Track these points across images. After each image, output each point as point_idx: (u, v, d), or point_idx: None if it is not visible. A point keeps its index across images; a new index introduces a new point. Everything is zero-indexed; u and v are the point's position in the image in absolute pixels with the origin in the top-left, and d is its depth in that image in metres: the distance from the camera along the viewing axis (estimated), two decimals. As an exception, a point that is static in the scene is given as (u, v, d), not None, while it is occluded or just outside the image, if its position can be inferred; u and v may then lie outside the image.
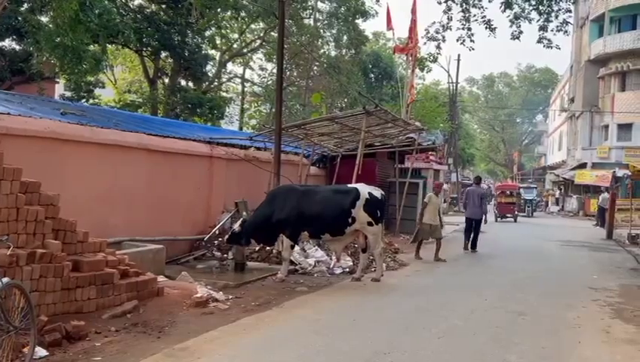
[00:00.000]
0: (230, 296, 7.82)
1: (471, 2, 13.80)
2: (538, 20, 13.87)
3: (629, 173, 24.09)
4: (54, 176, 7.91)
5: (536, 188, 40.01)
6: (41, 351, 5.01)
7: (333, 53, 29.46)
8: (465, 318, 7.36)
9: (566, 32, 14.24)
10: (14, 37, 17.32)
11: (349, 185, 10.17)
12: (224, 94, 29.83)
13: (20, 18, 15.78)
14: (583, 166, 36.35)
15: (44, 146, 8.26)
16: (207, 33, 23.55)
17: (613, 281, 10.51)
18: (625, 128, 35.15)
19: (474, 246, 14.59)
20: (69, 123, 9.41)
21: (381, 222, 9.75)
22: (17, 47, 18.12)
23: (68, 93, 21.27)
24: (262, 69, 32.73)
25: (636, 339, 6.52)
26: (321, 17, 28.81)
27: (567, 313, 7.80)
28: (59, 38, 12.98)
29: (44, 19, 15.56)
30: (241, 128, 30.64)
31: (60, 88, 23.21)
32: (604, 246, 17.29)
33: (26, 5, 16.34)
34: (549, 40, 13.95)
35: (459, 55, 50.50)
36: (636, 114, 34.02)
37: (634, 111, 34.08)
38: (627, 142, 34.35)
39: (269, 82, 29.86)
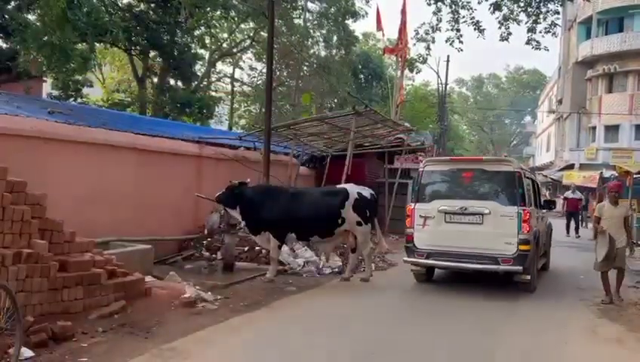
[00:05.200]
0: (219, 297, 7.79)
1: (460, 4, 13.85)
2: (527, 22, 13.94)
3: (616, 174, 24.26)
4: (41, 175, 7.84)
5: None
6: (27, 352, 4.97)
7: (323, 54, 29.44)
8: (453, 317, 7.39)
9: (554, 33, 14.32)
10: (1, 35, 17.12)
11: (338, 186, 10.17)
12: (213, 94, 29.70)
13: (6, 16, 15.61)
14: (570, 167, 36.61)
15: (30, 145, 8.20)
16: (197, 32, 23.41)
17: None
18: (612, 130, 35.47)
19: None
20: (57, 122, 9.36)
21: (371, 221, 9.74)
22: (4, 46, 17.92)
23: (55, 92, 21.07)
24: (251, 68, 32.70)
25: (623, 339, 6.57)
26: (311, 17, 28.79)
27: (555, 312, 7.85)
28: (46, 37, 12.84)
29: (31, 17, 15.41)
30: (230, 128, 30.54)
31: (47, 87, 23.02)
32: (591, 247, 17.37)
33: (12, 3, 16.18)
34: (537, 42, 14.04)
35: (448, 56, 51.09)
36: (623, 115, 34.36)
37: (621, 112, 34.42)
38: (614, 144, 34.60)
39: (259, 82, 29.81)
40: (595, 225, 8.80)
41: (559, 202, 32.85)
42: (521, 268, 8.61)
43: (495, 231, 8.73)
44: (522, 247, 8.61)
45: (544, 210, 10.94)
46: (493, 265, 8.78)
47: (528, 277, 8.92)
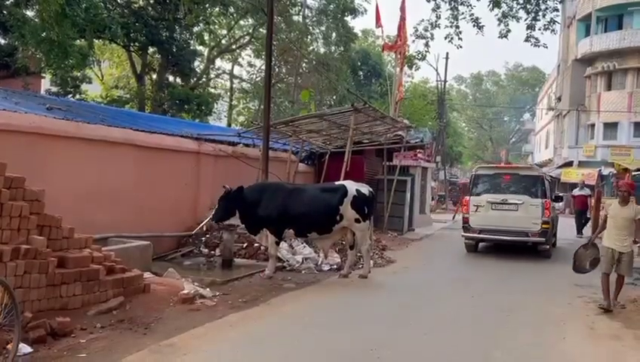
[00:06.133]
0: (217, 293, 7.80)
1: (459, 0, 13.87)
2: (526, 19, 13.99)
3: (615, 172, 24.31)
4: (39, 171, 7.85)
5: None
6: (25, 348, 4.97)
7: (322, 50, 29.41)
8: (451, 314, 7.41)
9: (553, 30, 14.36)
10: (-1, 31, 17.10)
11: (337, 183, 10.17)
12: (212, 90, 29.68)
13: (4, 12, 15.58)
14: (569, 164, 36.65)
15: (29, 141, 8.19)
16: (196, 29, 23.41)
17: (598, 278, 10.53)
18: (610, 127, 35.47)
19: None
20: (55, 118, 9.33)
21: (369, 218, 9.76)
22: (2, 42, 17.88)
23: (54, 89, 21.09)
24: (250, 65, 32.67)
25: (620, 335, 6.59)
26: (310, 14, 28.74)
27: (553, 309, 7.87)
28: (44, 33, 12.83)
29: (29, 13, 15.37)
30: (229, 125, 30.53)
31: (45, 83, 23.01)
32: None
33: (11, -1, 16.14)
34: (536, 39, 14.10)
35: (447, 53, 50.85)
36: (622, 113, 34.37)
37: (619, 110, 34.43)
38: (613, 141, 34.67)
39: (258, 79, 29.78)
40: (602, 223, 8.34)
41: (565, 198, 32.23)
42: (543, 239, 12.66)
43: (526, 215, 12.55)
44: (544, 226, 12.54)
45: (554, 203, 14.10)
46: (524, 238, 12.77)
47: (547, 246, 13.02)
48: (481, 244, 14.19)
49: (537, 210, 12.49)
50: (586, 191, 20.09)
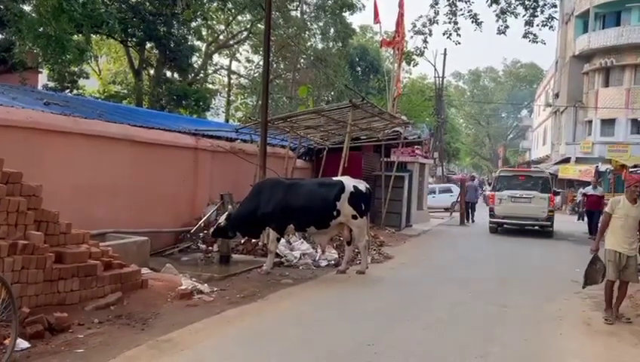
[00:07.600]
0: (215, 289, 7.81)
1: (458, -4, 13.87)
2: (524, 15, 14.02)
3: (612, 168, 24.35)
4: (37, 166, 7.83)
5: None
6: (22, 343, 4.97)
7: (320, 46, 29.38)
8: (449, 310, 7.43)
9: (551, 27, 14.40)
10: (-4, 26, 17.01)
11: (334, 178, 10.17)
12: (210, 86, 29.65)
13: (1, 6, 15.50)
14: (566, 161, 36.66)
15: (26, 137, 8.16)
16: (193, 24, 23.34)
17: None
18: (608, 123, 35.48)
19: (472, 219, 22.42)
20: (52, 113, 9.31)
21: (366, 215, 9.78)
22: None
23: (51, 84, 20.97)
24: (248, 61, 32.59)
25: (616, 331, 6.62)
26: (308, 10, 28.70)
27: (550, 305, 7.89)
28: (42, 28, 12.77)
29: (26, 7, 15.29)
30: (227, 120, 30.48)
31: (43, 78, 22.89)
32: (586, 240, 17.46)
33: (8, -7, 16.05)
34: (534, 35, 14.12)
35: (445, 49, 50.74)
36: (619, 109, 34.39)
37: (617, 106, 34.45)
38: (610, 138, 34.68)
39: (256, 74, 29.74)
40: (603, 224, 7.50)
41: (570, 198, 32.91)
42: (549, 223, 17.50)
43: (536, 206, 17.18)
44: (549, 213, 17.29)
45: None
46: (535, 221, 17.56)
47: (551, 228, 17.71)
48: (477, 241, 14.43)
49: (545, 201, 17.03)
50: (599, 191, 19.15)
